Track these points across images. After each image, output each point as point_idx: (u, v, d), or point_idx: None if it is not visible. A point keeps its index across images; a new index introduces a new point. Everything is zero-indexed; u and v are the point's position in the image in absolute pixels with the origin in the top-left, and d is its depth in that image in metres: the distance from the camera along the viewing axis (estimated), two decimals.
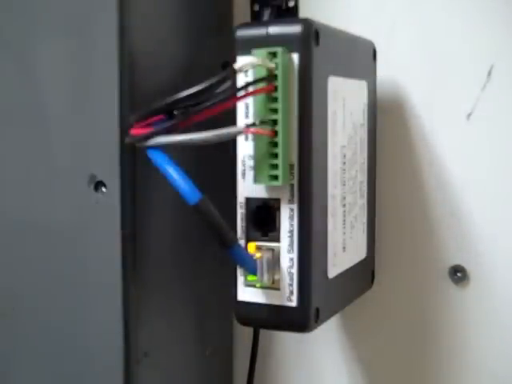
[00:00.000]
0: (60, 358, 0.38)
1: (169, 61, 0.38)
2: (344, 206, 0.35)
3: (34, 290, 0.38)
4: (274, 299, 0.32)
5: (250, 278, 0.31)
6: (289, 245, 0.31)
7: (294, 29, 0.30)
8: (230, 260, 0.31)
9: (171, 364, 0.40)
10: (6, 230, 0.39)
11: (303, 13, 0.43)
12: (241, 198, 0.32)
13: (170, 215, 0.38)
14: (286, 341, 0.46)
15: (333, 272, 0.34)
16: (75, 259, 0.37)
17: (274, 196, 0.31)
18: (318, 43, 0.31)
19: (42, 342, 0.38)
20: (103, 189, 0.36)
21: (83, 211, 0.36)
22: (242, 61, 0.30)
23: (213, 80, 0.28)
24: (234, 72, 0.29)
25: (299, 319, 0.31)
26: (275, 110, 0.30)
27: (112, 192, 0.35)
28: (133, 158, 0.35)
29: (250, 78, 0.30)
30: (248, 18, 0.44)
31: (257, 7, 0.44)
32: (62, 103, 0.37)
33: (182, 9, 0.39)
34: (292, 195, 0.31)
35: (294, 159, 0.31)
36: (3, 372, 0.40)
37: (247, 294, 0.32)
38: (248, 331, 0.39)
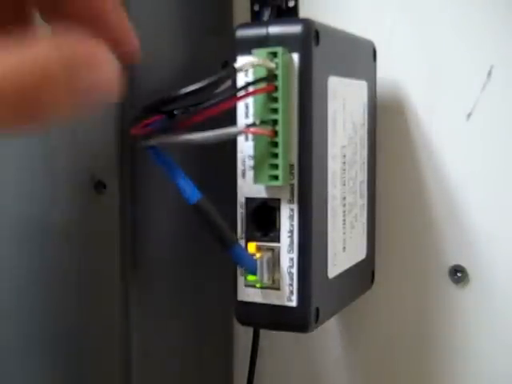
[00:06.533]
0: (59, 357, 0.38)
1: (169, 61, 0.38)
2: (344, 205, 0.35)
3: (34, 290, 0.38)
4: (274, 299, 0.32)
5: (250, 277, 0.31)
6: (289, 245, 0.31)
7: (295, 29, 0.30)
8: (230, 260, 0.31)
9: (171, 364, 0.40)
10: (5, 229, 0.39)
11: (303, 13, 0.43)
12: (241, 198, 0.32)
13: (169, 215, 0.38)
14: (286, 341, 0.46)
15: (333, 272, 0.34)
16: (75, 259, 0.37)
17: (274, 196, 0.31)
18: (318, 43, 0.31)
19: (42, 341, 0.38)
20: (103, 189, 0.36)
21: (83, 211, 0.36)
22: (242, 60, 0.30)
23: (214, 78, 0.28)
24: (235, 71, 0.29)
25: (299, 319, 0.31)
26: (275, 110, 0.30)
27: (112, 192, 0.35)
28: (132, 158, 0.35)
29: (250, 78, 0.30)
30: (248, 18, 0.44)
31: (257, 7, 0.44)
32: None
33: (182, 9, 0.39)
34: (292, 195, 0.31)
35: (294, 159, 0.31)
36: (3, 372, 0.40)
37: (247, 293, 0.32)
38: (248, 331, 0.39)
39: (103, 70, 0.20)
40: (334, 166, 0.34)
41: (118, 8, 0.22)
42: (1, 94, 0.17)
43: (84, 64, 0.19)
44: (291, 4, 0.43)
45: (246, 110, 0.31)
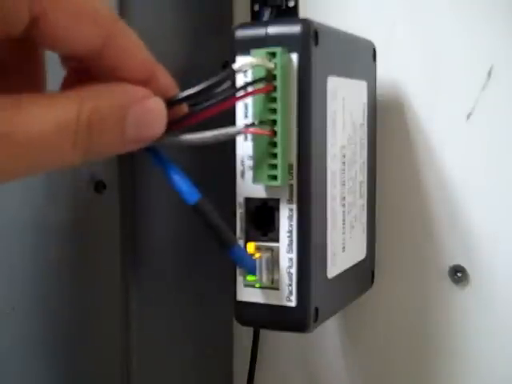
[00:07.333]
0: (59, 357, 0.38)
1: (169, 61, 0.38)
2: (343, 206, 0.35)
3: (34, 290, 0.38)
4: (274, 299, 0.32)
5: (250, 278, 0.31)
6: (288, 245, 0.31)
7: (293, 29, 0.30)
8: (229, 260, 0.31)
9: (171, 364, 0.40)
10: (5, 229, 0.39)
11: (303, 13, 0.43)
12: (240, 198, 0.32)
13: (169, 215, 0.38)
14: (286, 341, 0.46)
15: (332, 272, 0.34)
16: (75, 259, 0.37)
17: (273, 196, 0.31)
18: (317, 43, 0.31)
19: (42, 341, 0.38)
20: (103, 189, 0.36)
21: (83, 211, 0.36)
22: (241, 61, 0.30)
23: (213, 80, 0.28)
24: (234, 72, 0.29)
25: (298, 319, 0.31)
26: (274, 110, 0.30)
27: (112, 192, 0.35)
28: (132, 158, 0.35)
29: (249, 78, 0.30)
30: (248, 18, 0.44)
31: (257, 7, 0.44)
32: None
33: (182, 9, 0.39)
34: (291, 195, 0.31)
35: (293, 159, 0.31)
36: (3, 372, 0.40)
37: (246, 294, 0.32)
38: (248, 331, 0.39)
39: (152, 112, 0.23)
40: (333, 166, 0.34)
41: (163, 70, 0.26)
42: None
43: (136, 109, 0.22)
44: (291, 4, 0.43)
45: (245, 110, 0.31)
